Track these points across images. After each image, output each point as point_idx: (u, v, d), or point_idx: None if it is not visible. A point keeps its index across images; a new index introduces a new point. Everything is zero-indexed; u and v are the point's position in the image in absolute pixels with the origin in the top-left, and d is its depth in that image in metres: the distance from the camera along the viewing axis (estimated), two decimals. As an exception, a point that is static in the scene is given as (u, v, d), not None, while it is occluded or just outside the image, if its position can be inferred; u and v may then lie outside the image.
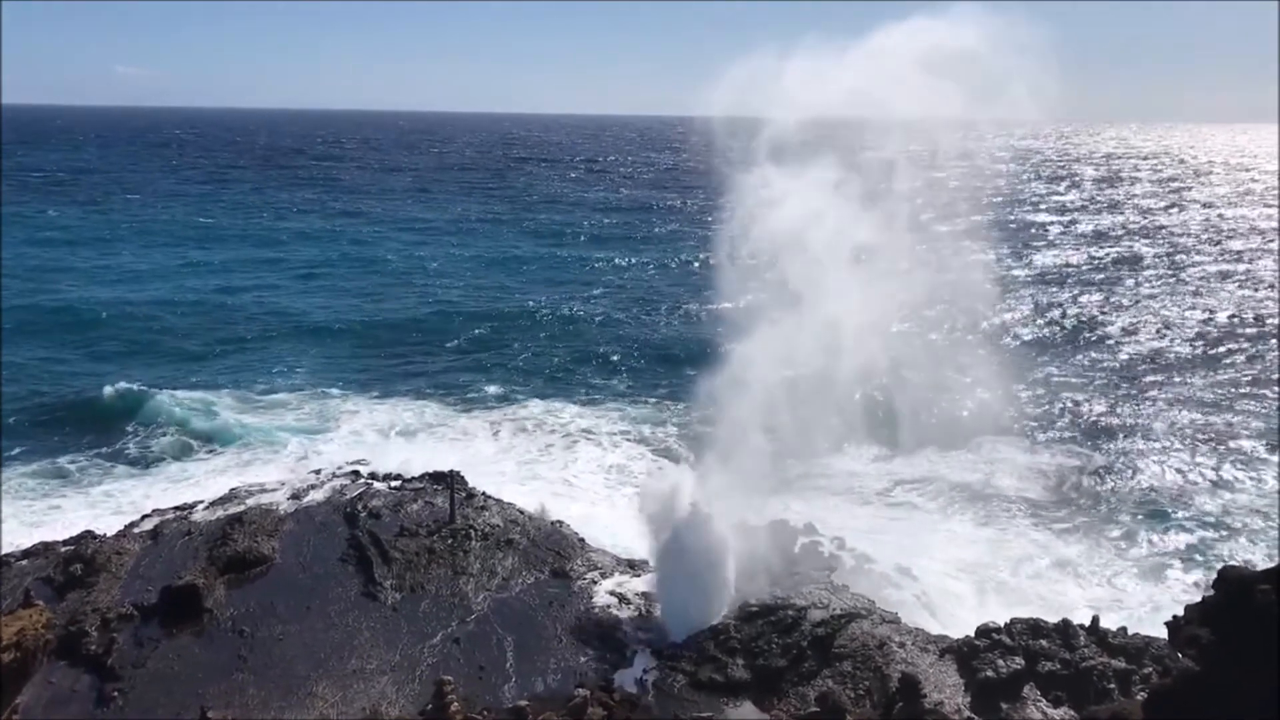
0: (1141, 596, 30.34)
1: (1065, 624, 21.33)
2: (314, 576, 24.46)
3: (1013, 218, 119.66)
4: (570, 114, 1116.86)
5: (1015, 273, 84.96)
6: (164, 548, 25.92)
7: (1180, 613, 15.23)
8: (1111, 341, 63.00)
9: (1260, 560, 31.57)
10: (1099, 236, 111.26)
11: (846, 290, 27.07)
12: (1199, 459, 41.82)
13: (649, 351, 59.46)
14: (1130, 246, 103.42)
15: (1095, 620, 21.70)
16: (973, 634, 21.21)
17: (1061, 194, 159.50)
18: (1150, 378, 54.82)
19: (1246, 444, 43.43)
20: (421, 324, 65.44)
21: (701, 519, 23.84)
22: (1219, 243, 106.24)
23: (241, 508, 27.91)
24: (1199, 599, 14.89)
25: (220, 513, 27.78)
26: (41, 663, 20.40)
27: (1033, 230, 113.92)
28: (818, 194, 28.11)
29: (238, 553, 24.81)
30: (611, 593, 24.09)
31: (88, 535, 26.99)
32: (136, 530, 27.22)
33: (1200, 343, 62.03)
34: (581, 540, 27.39)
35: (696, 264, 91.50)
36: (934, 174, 33.17)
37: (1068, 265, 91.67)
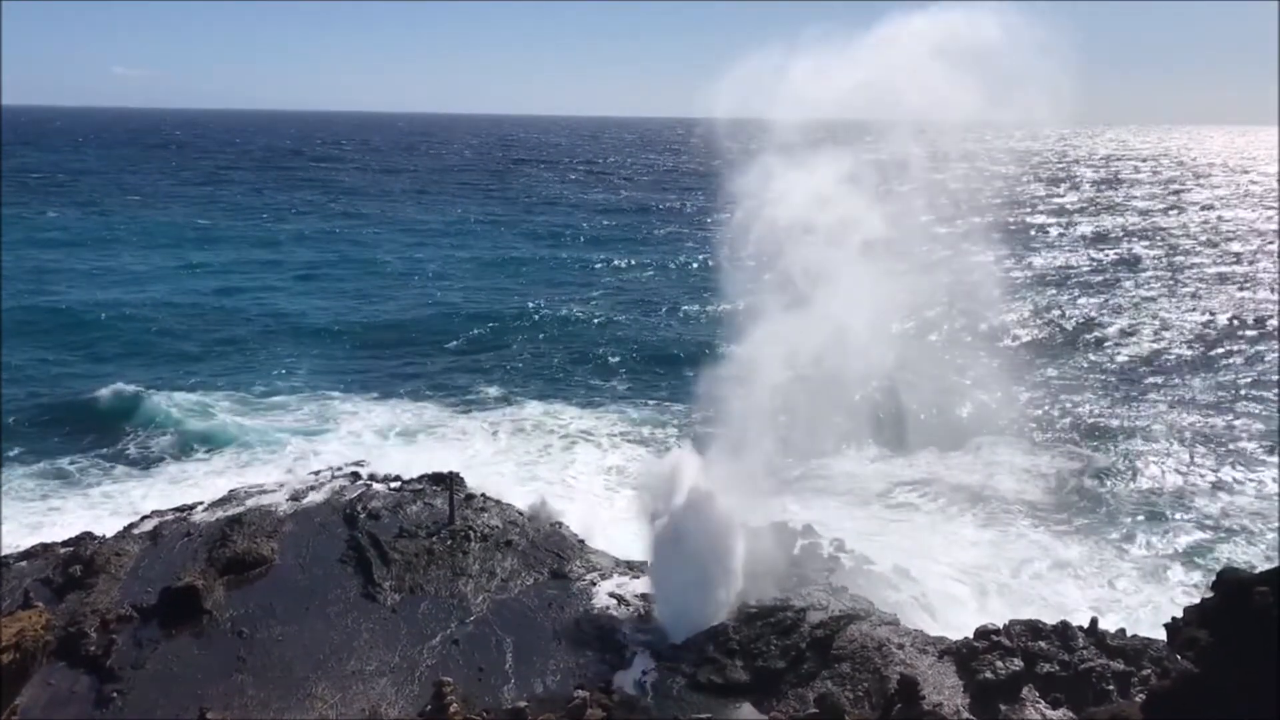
0: (1140, 598, 30.34)
1: (1064, 625, 21.33)
2: (313, 578, 24.47)
3: (1012, 219, 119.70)
4: (569, 115, 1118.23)
5: (1015, 274, 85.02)
6: (163, 549, 25.91)
7: (1179, 614, 15.24)
8: (1111, 343, 63.05)
9: (1259, 562, 31.59)
10: (1099, 238, 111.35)
11: (848, 290, 27.04)
12: (1198, 461, 41.84)
13: (648, 353, 59.51)
14: (1130, 248, 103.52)
15: (1094, 622, 21.71)
16: (971, 635, 21.20)
17: (1061, 195, 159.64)
18: (1150, 379, 54.86)
19: (1246, 446, 43.46)
20: (420, 325, 65.48)
21: (706, 499, 23.47)
22: (1218, 244, 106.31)
23: (241, 509, 27.91)
24: (1198, 601, 14.91)
25: (219, 514, 27.78)
26: (41, 664, 20.41)
27: (1032, 232, 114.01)
28: (820, 191, 28.04)
29: (237, 554, 24.81)
30: (611, 594, 24.09)
31: (87, 536, 26.97)
32: (136, 531, 27.21)
33: (1200, 344, 62.07)
34: (581, 541, 27.41)
35: (696, 265, 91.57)
36: (934, 175, 33.13)
37: (1067, 267, 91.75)
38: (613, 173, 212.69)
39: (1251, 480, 39.79)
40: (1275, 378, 54.06)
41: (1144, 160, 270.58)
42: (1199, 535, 35.06)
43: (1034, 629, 21.19)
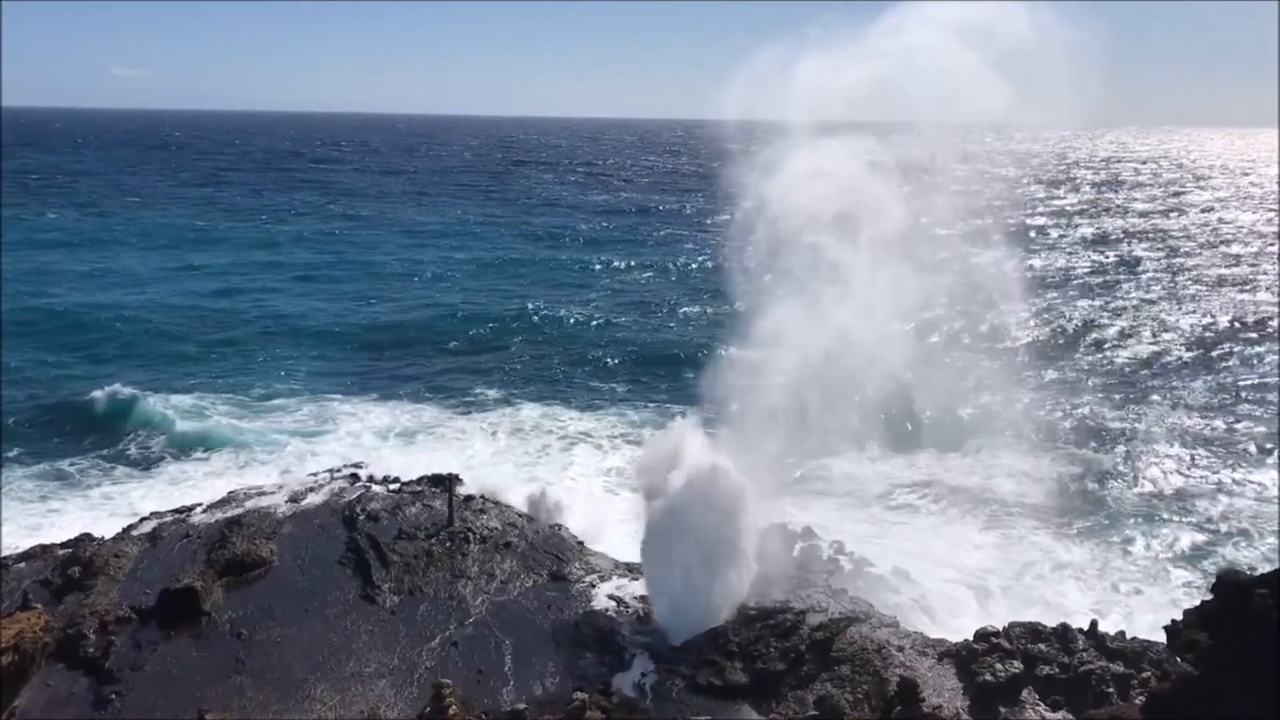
0: (1140, 600, 30.33)
1: (1064, 628, 21.32)
2: (312, 579, 24.44)
3: (1012, 221, 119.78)
4: (569, 117, 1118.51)
5: (1015, 276, 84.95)
6: (162, 550, 25.88)
7: (1179, 617, 15.23)
8: (1112, 345, 63.08)
9: (1259, 564, 31.58)
10: (1099, 240, 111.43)
11: (849, 292, 27.02)
12: (1198, 463, 41.85)
13: (648, 354, 59.51)
14: (1130, 250, 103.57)
15: (1094, 624, 21.69)
16: (971, 638, 21.20)
17: (1061, 197, 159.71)
18: (1150, 381, 54.88)
19: (1246, 448, 43.48)
20: (419, 327, 65.48)
21: (713, 473, 22.77)
22: (1219, 246, 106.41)
23: (240, 510, 27.87)
24: (1197, 603, 14.89)
25: (219, 515, 27.74)
26: (39, 665, 20.37)
27: (1033, 234, 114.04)
28: (822, 192, 27.92)
29: (236, 555, 24.77)
30: (610, 596, 24.06)
31: (86, 538, 26.93)
32: (135, 533, 27.17)
33: (1200, 346, 62.11)
34: (580, 543, 27.38)
35: (695, 267, 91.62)
36: (934, 177, 33.14)
37: (1068, 269, 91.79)
38: (612, 174, 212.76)
39: (1251, 482, 39.79)
40: (1275, 380, 54.07)
41: (1144, 162, 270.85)
42: (1199, 537, 35.06)
43: (1034, 631, 21.17)
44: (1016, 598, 29.48)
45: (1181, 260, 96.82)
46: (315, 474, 32.25)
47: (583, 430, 44.87)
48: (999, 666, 19.95)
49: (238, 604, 23.12)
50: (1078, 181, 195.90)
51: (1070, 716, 18.91)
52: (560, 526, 28.40)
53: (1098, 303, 75.72)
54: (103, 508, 35.09)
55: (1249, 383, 54.05)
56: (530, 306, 71.26)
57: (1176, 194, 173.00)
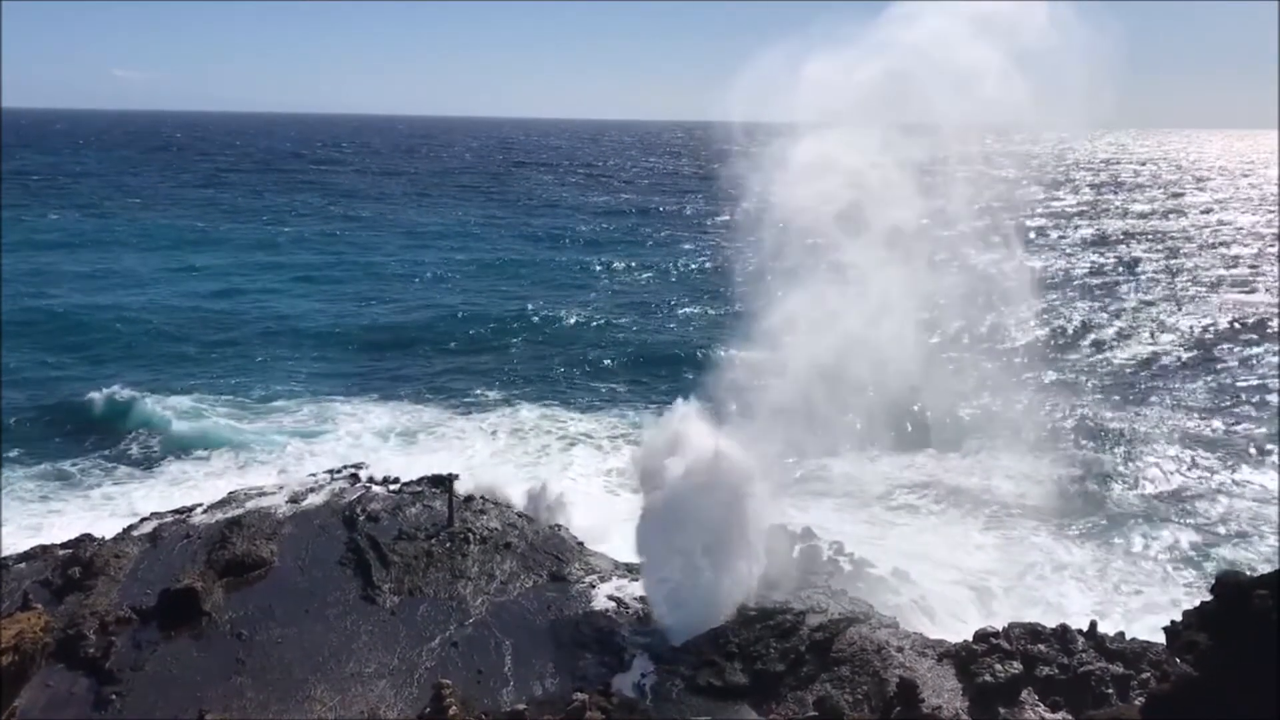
0: (1139, 601, 30.34)
1: (1063, 629, 21.34)
2: (312, 580, 24.45)
3: (1011, 223, 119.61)
4: (569, 118, 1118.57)
5: (1015, 277, 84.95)
6: (162, 551, 25.89)
7: (1178, 618, 15.25)
8: (1112, 346, 63.10)
9: (1259, 565, 31.59)
10: (1098, 242, 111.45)
11: (850, 292, 27.00)
12: (1198, 464, 41.87)
13: (649, 355, 59.50)
14: (1130, 251, 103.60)
15: (1093, 625, 21.70)
16: (971, 638, 21.21)
17: (1060, 199, 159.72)
18: (1150, 383, 54.89)
19: (1246, 449, 43.50)
20: (420, 328, 65.48)
21: (717, 458, 21.99)
22: (1218, 248, 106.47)
23: (240, 511, 27.89)
24: (1197, 604, 14.90)
25: (219, 516, 27.76)
26: (40, 666, 20.38)
27: (1032, 235, 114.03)
28: (823, 193, 27.85)
29: (236, 556, 24.79)
30: (610, 596, 24.06)
31: (86, 538, 26.95)
32: (135, 533, 27.18)
33: (1200, 348, 62.13)
34: (580, 544, 27.39)
35: (695, 268, 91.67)
36: (935, 178, 33.14)
37: (1067, 270, 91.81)
38: (613, 175, 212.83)
39: (1251, 483, 39.80)
40: (1275, 381, 54.07)
41: (1143, 164, 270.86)
42: (1198, 538, 35.07)
43: (1033, 632, 21.19)
44: (1016, 598, 29.49)
45: (1181, 261, 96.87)
46: (315, 474, 32.27)
47: (583, 431, 44.89)
48: (998, 667, 19.97)
49: (238, 604, 23.13)
50: (1077, 183, 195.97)
51: (1070, 717, 18.93)
52: (560, 527, 28.43)
53: (1098, 304, 75.73)
54: (103, 508, 35.11)
55: (1249, 384, 54.07)
56: (530, 307, 71.27)
57: (1176, 195, 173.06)
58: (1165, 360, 59.74)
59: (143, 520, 28.61)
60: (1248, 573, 14.54)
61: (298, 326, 64.97)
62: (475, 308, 71.52)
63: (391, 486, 30.19)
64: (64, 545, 26.64)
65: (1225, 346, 62.15)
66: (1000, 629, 21.35)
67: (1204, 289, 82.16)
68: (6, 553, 26.92)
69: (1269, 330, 65.80)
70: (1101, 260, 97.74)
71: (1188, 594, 29.96)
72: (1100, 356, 60.82)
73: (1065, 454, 42.71)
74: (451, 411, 47.51)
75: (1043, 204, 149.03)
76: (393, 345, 61.15)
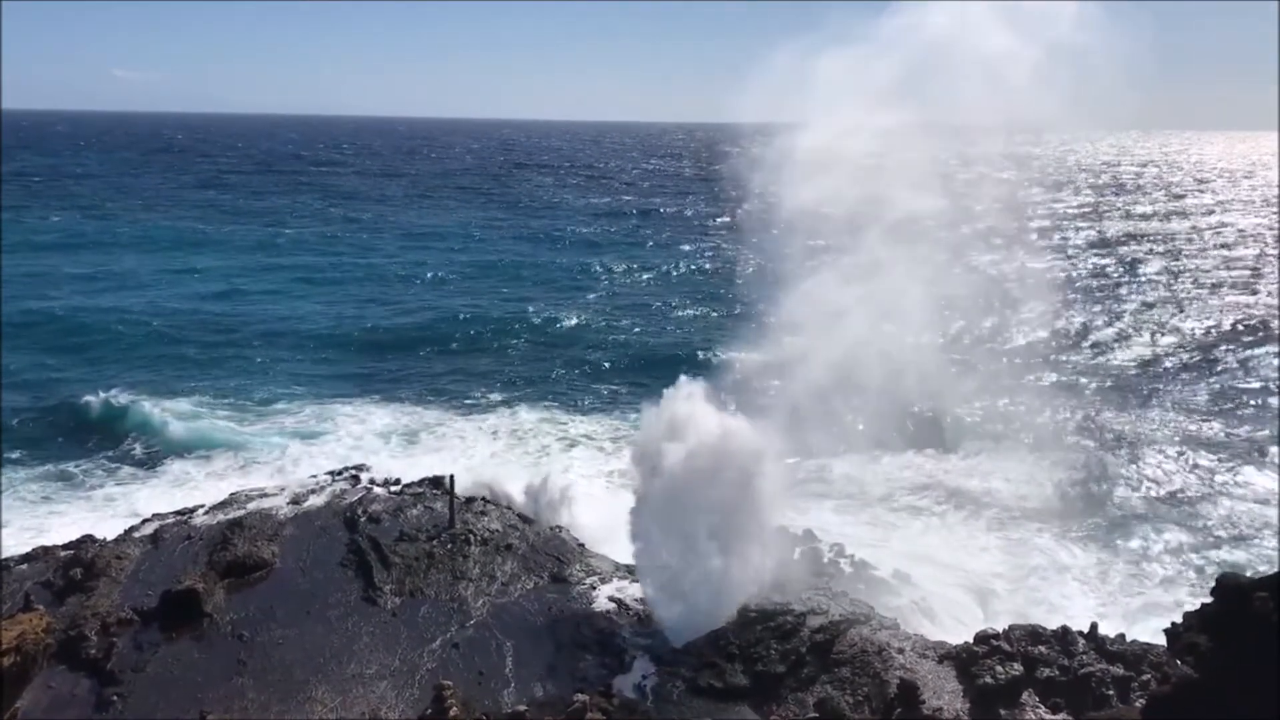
0: (1140, 603, 30.36)
1: (1064, 630, 21.34)
2: (314, 581, 24.47)
3: (1013, 224, 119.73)
4: (570, 120, 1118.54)
5: (1016, 278, 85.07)
6: (164, 552, 25.91)
7: (1179, 620, 15.26)
8: (1113, 348, 63.08)
9: (1260, 567, 31.60)
10: (1099, 243, 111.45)
11: (850, 293, 27.02)
12: (1199, 465, 41.86)
13: (650, 357, 59.50)
14: (1131, 253, 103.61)
15: (1094, 627, 21.70)
16: (972, 640, 21.22)
17: (1062, 200, 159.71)
18: (1152, 384, 54.88)
19: (1248, 451, 43.48)
20: (420, 329, 65.51)
21: (723, 438, 20.93)
22: (1220, 249, 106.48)
23: (241, 512, 27.91)
24: (1198, 606, 14.91)
25: (220, 517, 27.78)
26: (41, 667, 20.40)
27: (1033, 236, 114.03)
28: (825, 191, 27.84)
29: (238, 557, 24.81)
30: (611, 598, 24.08)
31: (87, 539, 26.98)
32: (136, 535, 27.21)
33: (1202, 349, 62.12)
34: (581, 545, 27.42)
35: (697, 269, 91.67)
36: (935, 179, 33.18)
37: (1069, 271, 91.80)
38: (613, 177, 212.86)
39: (1252, 485, 39.81)
40: (1277, 383, 54.08)
41: (1145, 165, 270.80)
42: (1199, 540, 35.07)
43: (1034, 634, 21.19)
44: (1017, 600, 29.50)
45: (1183, 263, 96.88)
46: (316, 476, 32.30)
47: (584, 432, 44.93)
48: (999, 669, 19.97)
49: (239, 606, 23.15)
50: (1078, 184, 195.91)
51: (1070, 719, 18.93)
52: (561, 528, 28.46)
53: (1099, 305, 75.75)
54: (105, 509, 35.13)
55: (1250, 386, 54.09)
56: (531, 309, 71.31)
57: (1178, 197, 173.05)
58: (1167, 362, 59.74)
59: (144, 521, 28.63)
60: (1248, 574, 14.53)
61: (299, 328, 65.01)
62: (476, 309, 71.54)
63: (393, 488, 30.22)
64: (65, 546, 26.68)
65: (1227, 348, 62.15)
66: (1001, 631, 21.36)
67: (1206, 290, 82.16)
68: (8, 554, 26.97)
69: (1271, 331, 65.80)
70: (1103, 261, 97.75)
71: (1189, 596, 29.97)
72: (1102, 358, 60.82)
73: (1067, 455, 42.70)
74: (452, 413, 47.54)
75: (1044, 205, 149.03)
76: (393, 347, 61.17)
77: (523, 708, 18.83)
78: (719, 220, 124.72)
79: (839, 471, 38.87)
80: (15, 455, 40.29)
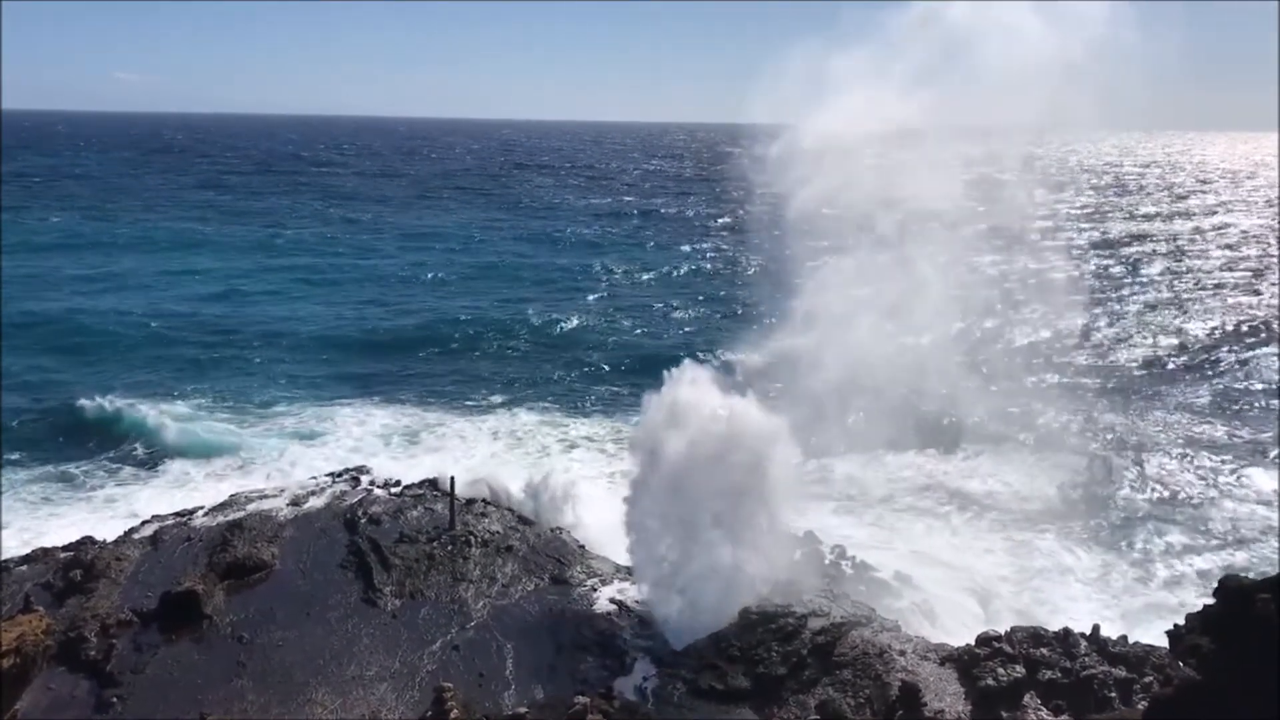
0: (1142, 605, 30.29)
1: (1066, 632, 21.29)
2: (314, 583, 24.44)
3: (1015, 224, 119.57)
4: (571, 120, 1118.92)
5: (1017, 279, 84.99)
6: (164, 554, 25.88)
7: (1181, 621, 15.20)
8: (1114, 349, 63.00)
9: (1262, 569, 31.53)
10: (1101, 244, 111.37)
11: (851, 294, 26.99)
12: (1202, 467, 41.79)
13: (651, 358, 59.28)
14: (1133, 254, 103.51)
15: (1096, 628, 21.66)
16: (973, 642, 21.17)
17: (1064, 201, 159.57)
18: (1154, 385, 54.81)
19: (1251, 452, 43.41)
20: (420, 331, 65.43)
21: (731, 420, 20.06)
22: (1222, 250, 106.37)
23: (241, 514, 27.88)
24: (1200, 608, 14.85)
25: (220, 519, 27.76)
26: (41, 668, 20.36)
27: (1034, 237, 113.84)
28: (827, 192, 27.78)
29: (237, 559, 24.78)
30: (611, 599, 24.04)
31: (87, 541, 26.97)
32: (136, 536, 27.18)
33: (1205, 350, 62.05)
34: (581, 547, 27.37)
35: (698, 270, 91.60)
36: (935, 180, 33.13)
37: (1070, 272, 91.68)
38: (614, 177, 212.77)
39: (1255, 487, 39.73)
40: (1278, 385, 54.01)
41: (1147, 166, 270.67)
42: (1202, 541, 35.00)
43: (1036, 636, 21.14)
44: (1019, 601, 29.44)
45: (1186, 264, 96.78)
46: (316, 477, 32.27)
47: (584, 434, 44.86)
48: (1001, 671, 19.92)
49: (239, 607, 23.12)
50: (1080, 185, 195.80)
51: (1072, 721, 18.88)
52: (561, 530, 28.40)
53: (1102, 306, 75.65)
54: (104, 511, 35.07)
55: (1253, 387, 54.02)
56: (531, 310, 71.24)
57: (1180, 197, 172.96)
58: (1170, 363, 59.67)
59: (144, 523, 28.61)
60: (1251, 576, 14.47)
61: (298, 329, 64.94)
62: (476, 310, 71.47)
63: (393, 489, 30.19)
64: (65, 548, 26.66)
65: (1230, 349, 62.08)
66: (1003, 633, 21.31)
67: (1208, 291, 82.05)
68: (8, 555, 26.95)
69: (1274, 332, 65.71)
70: (1105, 262, 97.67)
71: (1191, 597, 29.90)
72: (1104, 359, 60.73)
73: (1069, 457, 42.63)
74: (452, 414, 47.47)
75: (1046, 205, 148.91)
76: (393, 348, 61.08)
77: (523, 710, 18.79)
78: (720, 221, 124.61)
79: (840, 472, 38.80)
80: (15, 456, 40.24)
